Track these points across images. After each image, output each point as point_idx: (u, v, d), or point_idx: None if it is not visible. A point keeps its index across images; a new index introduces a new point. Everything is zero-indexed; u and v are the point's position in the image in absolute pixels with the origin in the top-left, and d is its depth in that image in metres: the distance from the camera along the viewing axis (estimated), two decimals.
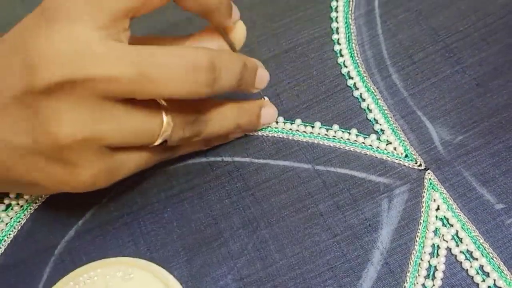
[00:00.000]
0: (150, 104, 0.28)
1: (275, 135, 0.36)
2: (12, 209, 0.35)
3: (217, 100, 0.33)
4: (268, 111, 0.36)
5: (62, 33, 0.25)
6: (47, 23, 0.26)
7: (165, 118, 0.29)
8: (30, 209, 0.35)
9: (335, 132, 0.36)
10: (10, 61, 0.26)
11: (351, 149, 0.36)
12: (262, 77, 0.34)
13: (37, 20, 0.26)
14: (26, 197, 0.35)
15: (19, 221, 0.35)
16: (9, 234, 0.34)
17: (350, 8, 0.40)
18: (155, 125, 0.28)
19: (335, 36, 0.39)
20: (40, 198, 0.35)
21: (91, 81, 0.25)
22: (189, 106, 0.30)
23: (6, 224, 0.34)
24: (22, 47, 0.26)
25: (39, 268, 0.33)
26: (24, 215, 0.35)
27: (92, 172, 0.28)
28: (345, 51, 0.38)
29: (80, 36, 0.25)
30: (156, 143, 0.29)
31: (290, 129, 0.36)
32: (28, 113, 0.26)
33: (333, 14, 0.40)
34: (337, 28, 0.39)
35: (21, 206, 0.35)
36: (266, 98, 0.37)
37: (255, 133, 0.36)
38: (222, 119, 0.33)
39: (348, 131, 0.36)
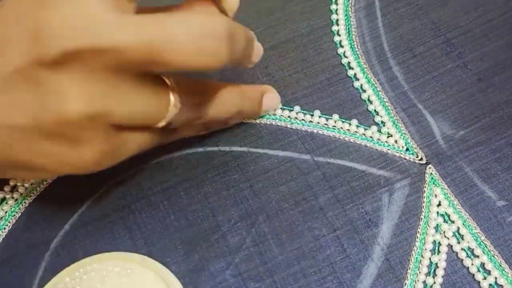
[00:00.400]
0: (158, 83, 0.27)
1: (273, 123, 0.35)
2: (6, 203, 0.33)
3: (220, 83, 0.32)
4: (270, 97, 0.35)
5: (70, 3, 0.24)
6: None
7: (173, 98, 0.27)
8: (25, 203, 0.33)
9: (335, 121, 0.35)
10: (9, 32, 0.24)
11: (351, 140, 0.35)
12: (259, 49, 0.32)
13: None
14: (21, 190, 0.33)
15: (14, 215, 0.33)
16: (4, 229, 0.33)
17: (350, 1, 0.39)
18: (163, 105, 0.27)
19: (335, 28, 0.38)
20: (35, 192, 0.33)
21: (102, 51, 0.23)
22: (193, 87, 0.29)
23: (1, 218, 0.33)
24: (26, 17, 0.24)
25: (35, 263, 0.32)
26: (19, 209, 0.33)
27: (97, 151, 0.26)
28: (345, 42, 0.38)
29: (89, 7, 0.24)
30: (161, 123, 0.27)
31: (289, 117, 0.35)
32: (30, 88, 0.24)
33: (333, 7, 0.39)
34: (337, 20, 0.38)
35: (16, 200, 0.33)
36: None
37: (253, 121, 0.35)
38: (225, 103, 0.31)
39: (349, 121, 0.35)
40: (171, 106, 0.27)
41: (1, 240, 0.32)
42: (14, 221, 0.33)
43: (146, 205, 0.33)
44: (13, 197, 0.33)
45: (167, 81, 0.27)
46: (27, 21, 0.24)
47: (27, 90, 0.24)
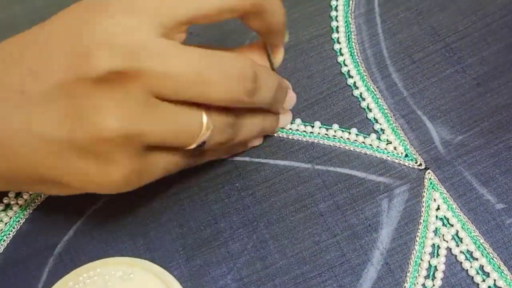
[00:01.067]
0: (192, 105, 0.27)
1: (275, 135, 0.36)
2: (11, 209, 0.34)
3: None
4: (285, 116, 0.36)
5: (121, 23, 0.24)
6: (105, 11, 0.24)
7: (205, 120, 0.27)
8: (29, 209, 0.34)
9: (335, 131, 0.36)
10: (54, 47, 0.25)
11: (351, 148, 0.35)
12: (291, 98, 0.34)
13: (92, 7, 0.25)
14: (25, 196, 0.34)
15: (18, 221, 0.34)
16: (8, 234, 0.34)
17: (350, 7, 0.39)
18: (196, 127, 0.27)
19: (335, 35, 0.39)
20: (39, 198, 0.34)
21: (146, 75, 0.24)
22: (227, 109, 0.29)
23: (6, 224, 0.34)
24: (73, 32, 0.24)
25: (39, 268, 0.32)
26: (24, 215, 0.34)
27: (124, 172, 0.26)
28: (345, 50, 0.38)
29: (139, 29, 0.24)
30: (193, 145, 0.28)
31: (290, 129, 0.36)
32: (69, 103, 0.25)
33: (333, 13, 0.39)
34: (337, 27, 0.39)
35: (20, 206, 0.34)
36: None
37: None
38: (253, 124, 0.32)
39: (348, 130, 0.36)
40: (204, 127, 0.27)
41: (6, 245, 0.33)
42: (19, 226, 0.34)
43: (149, 212, 0.34)
44: (17, 203, 0.34)
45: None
46: (76, 36, 0.24)
47: (66, 104, 0.25)
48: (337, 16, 0.39)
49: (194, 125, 0.27)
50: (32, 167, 0.26)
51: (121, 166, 0.26)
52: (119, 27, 0.24)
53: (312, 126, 0.36)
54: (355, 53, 0.38)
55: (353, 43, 0.38)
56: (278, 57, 0.33)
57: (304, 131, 0.36)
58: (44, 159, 0.26)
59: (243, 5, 0.27)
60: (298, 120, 0.36)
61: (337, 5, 0.39)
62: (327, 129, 0.36)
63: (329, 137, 0.36)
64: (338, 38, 0.38)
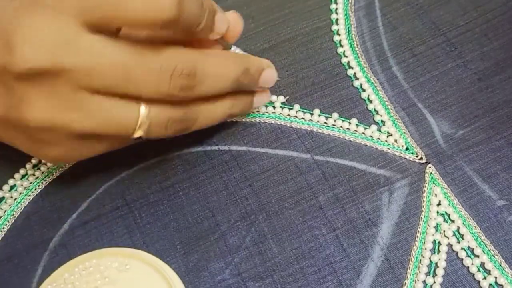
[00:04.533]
0: (129, 97, 0.26)
1: (273, 122, 0.33)
2: (5, 202, 0.32)
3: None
4: (261, 96, 0.32)
5: (47, 20, 0.24)
6: (31, 10, 0.24)
7: (143, 113, 0.26)
8: (24, 202, 0.32)
9: (334, 120, 0.33)
10: None
11: (351, 139, 0.33)
12: (268, 77, 0.31)
13: (20, 6, 0.24)
14: (19, 190, 0.32)
15: (13, 215, 0.31)
16: (3, 228, 0.31)
17: (350, 1, 0.37)
18: (130, 120, 0.26)
19: (334, 27, 0.36)
20: (33, 191, 0.32)
21: (71, 71, 0.24)
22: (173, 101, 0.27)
23: (0, 218, 0.31)
24: (4, 26, 0.24)
25: (34, 262, 0.30)
26: (18, 208, 0.31)
27: (59, 152, 0.27)
28: (344, 42, 0.36)
29: (64, 27, 0.24)
30: (134, 136, 0.26)
31: (288, 115, 0.34)
32: (2, 89, 0.25)
33: (333, 6, 0.37)
34: (337, 19, 0.37)
35: (15, 200, 0.32)
36: (237, 49, 0.32)
37: (252, 120, 0.33)
38: (213, 112, 0.30)
39: (348, 120, 0.33)
40: (140, 120, 0.26)
41: (0, 239, 0.31)
42: (13, 220, 0.31)
43: (145, 205, 0.31)
44: (12, 197, 0.32)
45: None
46: (5, 30, 0.24)
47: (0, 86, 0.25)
48: (337, 9, 0.37)
49: (128, 118, 0.26)
50: None
51: (53, 148, 0.27)
52: (45, 23, 0.24)
53: (312, 114, 0.34)
54: (355, 45, 0.36)
55: (353, 35, 0.36)
56: (231, 31, 0.30)
57: (303, 118, 0.33)
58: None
59: (161, 18, 0.24)
60: (296, 106, 0.34)
61: None
62: (326, 118, 0.33)
63: (328, 126, 0.33)
64: (338, 30, 0.36)
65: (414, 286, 0.29)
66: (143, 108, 0.26)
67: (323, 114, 0.34)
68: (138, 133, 0.26)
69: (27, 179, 0.32)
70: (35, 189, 0.32)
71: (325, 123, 0.33)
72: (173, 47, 0.26)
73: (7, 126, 0.26)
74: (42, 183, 0.32)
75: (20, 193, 0.32)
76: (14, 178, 0.32)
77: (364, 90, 0.34)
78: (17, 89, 0.24)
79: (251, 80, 0.30)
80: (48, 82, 0.24)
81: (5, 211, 0.31)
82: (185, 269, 0.29)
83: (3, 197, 0.32)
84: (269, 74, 0.31)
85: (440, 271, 0.29)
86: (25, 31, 0.23)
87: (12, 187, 0.32)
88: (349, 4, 0.37)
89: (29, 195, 0.32)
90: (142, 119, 0.26)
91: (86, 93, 0.25)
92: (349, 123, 0.33)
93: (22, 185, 0.32)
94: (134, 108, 0.26)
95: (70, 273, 0.28)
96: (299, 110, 0.34)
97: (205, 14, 0.27)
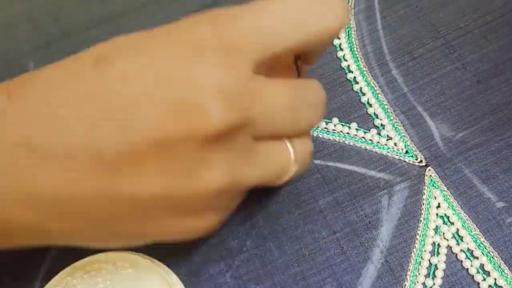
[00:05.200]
0: (278, 142, 0.24)
1: None
2: None
3: None
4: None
5: (224, 66, 0.20)
6: (198, 51, 0.20)
7: (291, 150, 0.25)
8: None
9: (334, 125, 0.33)
10: (152, 92, 0.20)
11: (351, 143, 0.33)
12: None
13: (187, 52, 0.20)
14: None
15: None
16: None
17: (350, 3, 0.37)
18: (286, 159, 0.25)
19: None
20: None
21: (254, 121, 0.21)
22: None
23: None
24: (176, 82, 0.20)
25: (36, 265, 0.30)
26: None
27: (217, 218, 0.23)
28: (344, 45, 0.36)
29: (237, 71, 0.20)
30: (284, 179, 0.25)
31: None
32: (165, 161, 0.20)
33: None
34: None
35: None
36: None
37: None
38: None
39: (348, 125, 0.34)
40: (292, 159, 0.25)
41: None
42: None
43: None
44: None
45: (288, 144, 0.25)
46: (178, 86, 0.20)
47: (160, 161, 0.20)
48: None
49: (284, 158, 0.25)
50: (117, 227, 0.23)
51: (219, 212, 0.23)
52: (224, 71, 0.20)
53: None
54: (355, 49, 0.36)
55: (353, 39, 0.36)
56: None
57: None
58: (126, 219, 0.22)
59: (338, 27, 0.22)
60: None
61: None
62: (326, 123, 0.34)
63: (328, 131, 0.33)
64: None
65: None
66: (289, 146, 0.25)
67: (323, 120, 0.34)
68: (292, 171, 0.25)
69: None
70: None
71: (325, 128, 0.34)
72: (306, 78, 0.26)
73: (158, 213, 0.22)
74: None
75: None
76: None
77: (364, 94, 0.34)
78: (196, 158, 0.20)
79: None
80: (231, 138, 0.20)
81: None
82: (186, 272, 0.30)
83: None
84: None
85: (439, 273, 0.30)
86: (204, 84, 0.19)
87: None
88: (349, 7, 0.37)
89: None
90: (294, 156, 0.25)
91: (256, 143, 0.22)
92: (349, 127, 0.33)
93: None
94: (284, 147, 0.25)
95: (72, 277, 0.28)
96: None
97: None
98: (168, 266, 0.30)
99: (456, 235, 0.31)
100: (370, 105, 0.34)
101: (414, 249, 0.30)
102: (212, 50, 0.20)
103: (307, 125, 0.25)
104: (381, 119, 0.33)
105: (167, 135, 0.19)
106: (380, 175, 0.32)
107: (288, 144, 0.25)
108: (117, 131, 0.20)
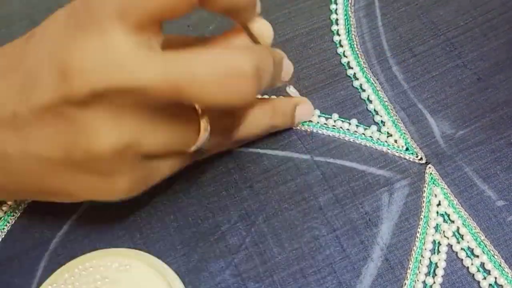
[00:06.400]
0: (187, 111, 0.25)
1: None
2: (6, 203, 0.31)
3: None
4: (303, 109, 0.32)
5: (96, 42, 0.22)
6: (79, 32, 0.22)
7: (202, 124, 0.25)
8: (24, 203, 0.31)
9: (334, 121, 0.33)
10: (39, 65, 0.23)
11: (351, 139, 0.33)
12: (288, 68, 0.30)
13: (67, 28, 0.23)
14: None
15: (13, 215, 0.31)
16: (3, 229, 0.31)
17: (350, 1, 0.37)
18: (192, 132, 0.25)
19: (334, 27, 0.36)
20: None
21: (127, 91, 0.22)
22: (224, 110, 0.27)
23: (0, 218, 0.31)
24: (55, 53, 0.23)
25: (34, 263, 0.30)
26: (18, 209, 0.31)
27: (128, 181, 0.25)
28: (344, 42, 0.36)
29: (114, 44, 0.22)
30: (192, 149, 0.26)
31: None
32: (59, 124, 0.23)
33: (333, 6, 0.37)
34: (337, 20, 0.36)
35: (15, 201, 0.31)
36: (292, 89, 0.33)
37: None
38: (257, 122, 0.30)
39: (348, 121, 0.33)
40: (201, 132, 0.25)
41: (0, 240, 0.30)
42: (14, 221, 0.31)
43: (145, 205, 0.31)
44: None
45: (197, 106, 0.26)
46: (56, 58, 0.22)
47: (56, 125, 0.23)
48: (336, 9, 0.37)
49: (190, 130, 0.25)
50: (36, 184, 0.25)
51: (123, 176, 0.25)
52: (97, 45, 0.22)
53: (312, 115, 0.33)
54: (355, 45, 0.36)
55: (353, 35, 0.36)
56: (264, 30, 0.28)
57: None
58: (46, 177, 0.25)
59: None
60: None
61: None
62: (326, 119, 0.33)
63: (328, 127, 0.33)
64: (338, 30, 0.36)
65: (414, 286, 0.29)
66: (201, 121, 0.25)
67: (323, 115, 0.33)
68: (198, 144, 0.26)
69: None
70: None
71: (325, 124, 0.33)
72: (231, 48, 0.25)
73: (68, 171, 0.25)
74: None
75: None
76: None
77: (364, 90, 0.34)
78: (81, 118, 0.23)
79: (279, 68, 0.29)
80: (109, 105, 0.23)
81: (5, 212, 0.31)
82: (185, 269, 0.29)
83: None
84: (288, 64, 0.30)
85: (440, 271, 0.29)
86: (77, 57, 0.22)
87: None
88: (349, 4, 0.37)
89: None
90: (203, 130, 0.25)
91: (147, 110, 0.24)
92: (349, 123, 0.33)
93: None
94: (194, 120, 0.25)
95: (71, 273, 0.28)
96: None
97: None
98: (167, 263, 0.29)
99: (456, 233, 0.30)
100: (370, 102, 0.34)
101: (414, 247, 0.30)
102: (92, 29, 0.22)
103: (206, 100, 0.23)
104: (381, 116, 0.33)
105: (51, 99, 0.23)
106: (380, 172, 0.32)
107: (201, 120, 0.25)
108: (19, 96, 0.23)
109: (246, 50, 0.24)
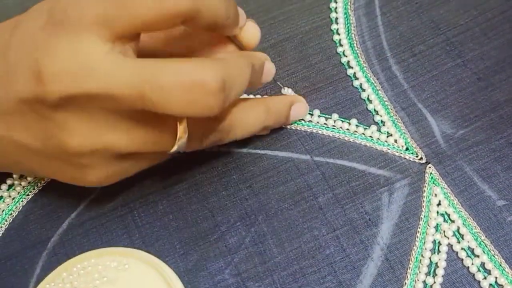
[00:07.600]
0: (163, 116, 0.24)
1: None
2: (4, 201, 0.31)
3: (242, 101, 0.29)
4: (298, 107, 0.32)
5: (70, 46, 0.23)
6: (55, 37, 0.23)
7: (180, 127, 0.25)
8: (22, 201, 0.31)
9: (334, 121, 0.33)
10: (18, 62, 0.24)
11: (351, 139, 0.33)
12: (268, 71, 0.30)
13: (45, 29, 0.24)
14: (18, 189, 0.32)
15: (11, 214, 0.31)
16: (1, 227, 0.31)
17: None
18: (169, 135, 0.26)
19: (334, 26, 0.36)
20: (32, 190, 0.31)
21: (95, 97, 0.23)
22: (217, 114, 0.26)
23: None
24: (31, 55, 0.24)
25: (32, 261, 0.30)
26: (16, 207, 0.31)
27: (99, 174, 0.26)
28: (344, 41, 0.35)
29: (87, 51, 0.23)
30: (171, 151, 0.26)
31: None
32: (36, 118, 0.25)
33: (332, 5, 0.37)
34: (336, 18, 0.36)
35: (13, 199, 0.31)
36: (287, 90, 0.33)
37: None
38: (247, 125, 0.29)
39: (348, 121, 0.33)
40: (178, 135, 0.25)
41: None
42: (12, 219, 0.31)
43: (145, 204, 0.31)
44: (10, 196, 0.31)
45: None
46: (32, 59, 0.23)
47: (33, 118, 0.25)
48: (336, 7, 0.37)
49: (166, 133, 0.26)
50: (20, 164, 0.28)
51: (95, 170, 0.26)
52: (69, 50, 0.23)
53: (311, 115, 0.33)
54: (355, 44, 0.35)
55: (353, 34, 0.36)
56: (248, 36, 0.29)
57: (303, 119, 0.33)
58: (26, 161, 0.27)
59: (179, 9, 0.23)
60: None
61: None
62: (326, 119, 0.33)
63: (328, 127, 0.33)
64: (338, 29, 0.36)
65: (414, 286, 0.29)
66: (178, 124, 0.25)
67: (323, 115, 0.33)
68: (175, 148, 0.26)
69: (26, 178, 0.32)
70: (34, 189, 0.32)
71: (325, 124, 0.33)
72: (198, 58, 0.25)
73: (44, 158, 0.26)
74: (40, 182, 0.32)
75: (19, 192, 0.32)
76: (13, 178, 0.32)
77: (364, 90, 0.34)
78: (54, 118, 0.24)
79: (258, 74, 0.29)
80: (80, 108, 0.24)
81: (3, 210, 0.31)
82: (184, 269, 0.29)
83: (1, 196, 0.31)
84: (269, 67, 0.30)
85: (440, 271, 0.29)
86: (49, 60, 0.23)
87: (10, 186, 0.32)
88: (349, 3, 0.37)
89: (28, 194, 0.32)
90: (180, 133, 0.25)
91: (119, 114, 0.24)
92: (349, 123, 0.33)
93: (20, 184, 0.32)
94: (171, 124, 0.25)
95: (69, 272, 0.28)
96: None
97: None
98: (166, 262, 0.29)
99: (456, 233, 0.30)
100: (370, 101, 0.34)
101: (414, 247, 0.30)
102: (70, 25, 0.23)
103: (186, 111, 0.24)
104: (381, 116, 0.33)
105: (26, 96, 0.24)
106: (381, 172, 0.32)
107: (179, 123, 0.25)
108: (1, 81, 0.25)
109: (214, 62, 0.24)
